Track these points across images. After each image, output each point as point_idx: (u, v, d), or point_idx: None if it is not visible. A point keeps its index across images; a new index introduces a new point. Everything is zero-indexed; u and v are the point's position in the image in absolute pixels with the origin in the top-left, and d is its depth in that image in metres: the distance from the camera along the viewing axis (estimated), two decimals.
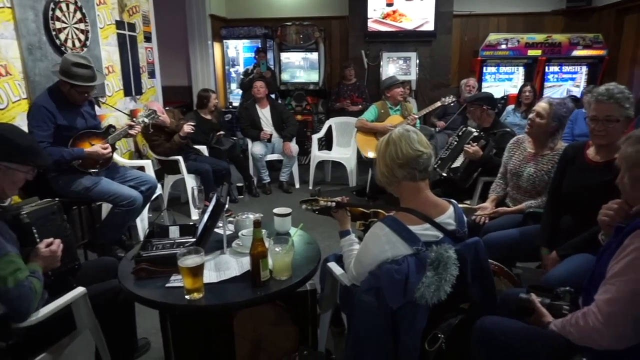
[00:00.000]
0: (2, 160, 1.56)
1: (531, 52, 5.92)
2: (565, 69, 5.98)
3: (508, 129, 3.21)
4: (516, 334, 1.38)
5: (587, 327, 1.23)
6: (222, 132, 4.64)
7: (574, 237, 1.96)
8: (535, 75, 5.93)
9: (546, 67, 5.93)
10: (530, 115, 2.44)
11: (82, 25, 3.59)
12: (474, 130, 3.18)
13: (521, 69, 6.12)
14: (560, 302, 1.45)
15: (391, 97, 4.42)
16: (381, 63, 6.24)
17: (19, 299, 1.44)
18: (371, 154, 4.32)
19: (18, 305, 1.44)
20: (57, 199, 1.91)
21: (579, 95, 5.70)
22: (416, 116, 4.33)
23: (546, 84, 5.99)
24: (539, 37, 5.88)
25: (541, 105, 2.40)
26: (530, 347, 1.35)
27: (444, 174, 3.20)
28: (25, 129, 2.64)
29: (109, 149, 2.87)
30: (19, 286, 1.44)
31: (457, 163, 3.15)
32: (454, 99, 4.39)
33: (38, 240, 1.68)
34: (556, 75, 6.00)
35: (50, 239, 1.69)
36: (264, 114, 5.02)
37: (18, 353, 1.52)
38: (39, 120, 2.61)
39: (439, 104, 4.36)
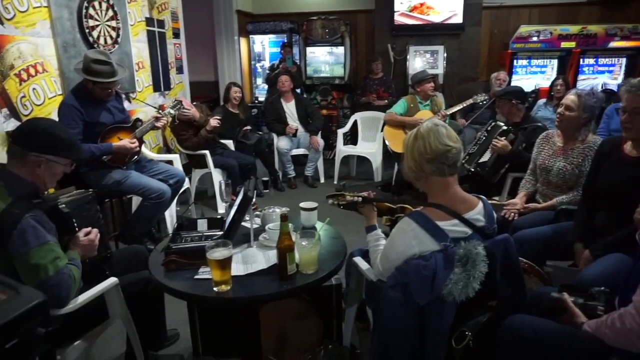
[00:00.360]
0: (46, 153, 1.62)
1: (565, 44, 5.72)
2: (602, 61, 5.75)
3: (539, 124, 3.12)
4: (549, 333, 1.35)
5: (624, 329, 1.19)
6: (248, 127, 4.69)
7: (609, 234, 1.90)
8: (568, 68, 5.74)
9: (580, 60, 5.72)
10: (559, 109, 2.38)
11: (113, 23, 3.68)
12: (502, 124, 3.11)
13: (554, 62, 5.93)
14: (595, 302, 1.41)
15: (421, 91, 4.34)
16: (408, 57, 6.15)
17: (58, 286, 1.49)
18: (398, 149, 4.24)
19: (58, 292, 1.50)
20: (90, 189, 1.97)
21: (616, 89, 5.49)
22: (447, 113, 4.19)
23: (580, 77, 5.78)
24: (573, 29, 5.68)
25: (569, 98, 2.34)
26: (563, 347, 1.31)
27: (472, 169, 3.14)
28: None
29: (137, 143, 2.94)
30: (58, 274, 1.49)
31: (485, 158, 3.09)
32: (486, 97, 4.26)
33: (77, 229, 1.74)
34: (591, 68, 5.78)
35: (89, 228, 1.75)
36: (289, 108, 5.03)
37: (55, 339, 1.58)
38: (68, 118, 2.69)
39: (470, 101, 4.26)
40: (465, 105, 4.35)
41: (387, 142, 4.42)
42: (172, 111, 3.28)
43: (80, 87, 2.81)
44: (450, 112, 4.29)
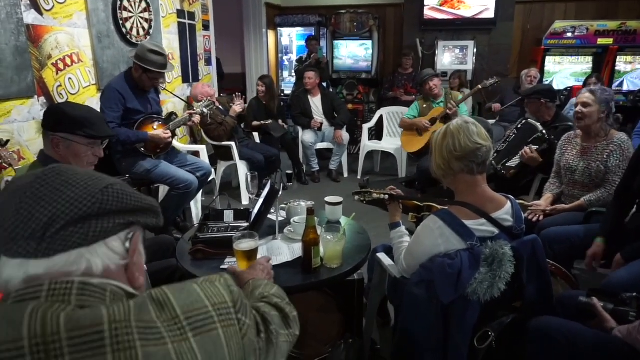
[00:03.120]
0: (59, 131, 1.69)
1: (601, 41, 5.52)
2: None
3: (570, 123, 3.03)
4: (578, 337, 1.33)
5: None
6: (269, 121, 4.70)
7: None
8: (604, 66, 5.54)
9: (617, 57, 5.50)
10: (577, 109, 2.36)
11: (146, 15, 3.75)
12: (538, 125, 2.94)
13: (589, 59, 5.72)
14: (626, 308, 1.37)
15: (426, 92, 4.31)
16: (436, 52, 6.06)
17: None
18: (411, 149, 4.38)
19: None
20: (127, 175, 2.02)
21: None
22: (455, 105, 4.05)
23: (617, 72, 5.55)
24: (611, 25, 5.47)
25: (584, 95, 2.35)
26: (594, 351, 1.28)
27: (497, 169, 3.04)
28: None
29: (170, 134, 3.02)
30: None
31: (513, 163, 2.96)
32: (496, 80, 4.11)
33: None
34: (630, 66, 5.56)
35: None
36: (315, 102, 5.04)
37: None
38: (111, 101, 2.80)
39: (479, 87, 4.16)
40: (474, 92, 4.30)
41: (402, 146, 4.53)
42: (205, 110, 3.34)
43: (127, 75, 2.92)
44: (459, 102, 4.15)
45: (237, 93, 4.25)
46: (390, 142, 5.17)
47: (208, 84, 4.48)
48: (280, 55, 7.02)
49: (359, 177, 5.01)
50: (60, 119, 1.70)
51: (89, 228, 0.63)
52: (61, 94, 2.94)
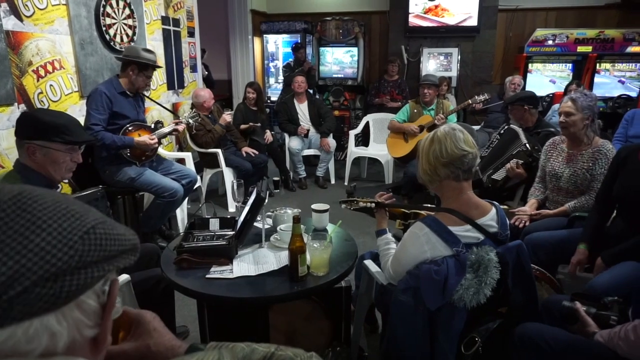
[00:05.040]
0: (34, 138, 1.65)
1: (581, 49, 5.65)
2: (619, 66, 5.66)
3: (552, 129, 3.08)
4: (561, 343, 1.34)
5: (638, 342, 1.17)
6: (258, 124, 4.69)
7: (625, 242, 1.88)
8: (584, 73, 5.66)
9: (597, 65, 5.64)
10: (561, 119, 2.38)
11: (130, 21, 3.72)
12: (520, 131, 2.95)
13: (570, 66, 5.85)
14: (608, 312, 1.39)
15: (420, 97, 4.37)
16: (421, 59, 6.13)
17: None
18: (397, 154, 4.40)
19: None
20: (100, 186, 1.99)
21: (633, 94, 5.41)
22: (443, 117, 4.10)
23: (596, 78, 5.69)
24: (590, 33, 5.60)
25: (566, 105, 2.37)
26: (574, 357, 1.30)
27: (484, 180, 3.05)
28: (78, 119, 2.77)
29: (156, 141, 2.99)
30: None
31: (498, 176, 2.96)
32: (485, 97, 4.17)
33: None
34: (608, 73, 5.70)
35: None
36: (302, 109, 5.04)
37: None
38: (97, 103, 2.77)
39: (469, 101, 4.21)
40: (462, 106, 4.32)
41: (388, 149, 4.53)
42: (190, 120, 3.33)
43: (115, 80, 2.92)
44: (448, 114, 4.19)
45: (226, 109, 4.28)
46: (377, 149, 5.19)
47: (209, 91, 4.40)
48: (266, 61, 7.02)
49: (346, 183, 5.02)
50: (36, 126, 1.66)
51: (62, 288, 0.45)
52: (42, 101, 2.88)
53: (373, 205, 1.83)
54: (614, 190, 2.01)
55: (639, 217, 1.61)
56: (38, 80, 2.85)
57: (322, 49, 6.30)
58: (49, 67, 2.93)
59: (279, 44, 6.97)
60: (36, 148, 1.65)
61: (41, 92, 2.87)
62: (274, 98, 6.62)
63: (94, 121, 2.73)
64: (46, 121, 1.68)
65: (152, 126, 3.11)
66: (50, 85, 2.95)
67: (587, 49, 5.62)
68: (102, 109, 2.78)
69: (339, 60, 6.34)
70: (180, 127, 3.24)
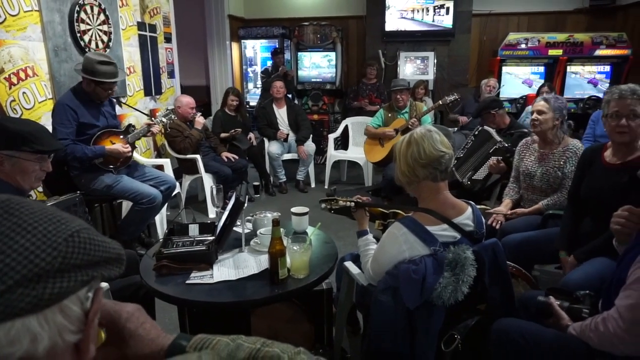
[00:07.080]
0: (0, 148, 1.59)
1: (552, 52, 5.82)
2: (588, 68, 5.86)
3: (525, 130, 3.18)
4: (535, 337, 1.38)
5: (607, 333, 1.22)
6: (239, 130, 4.67)
7: (594, 240, 1.94)
8: (555, 75, 5.84)
9: (567, 67, 5.82)
10: (533, 116, 2.47)
11: (105, 27, 3.67)
12: (493, 131, 3.07)
13: (541, 69, 6.03)
14: (580, 305, 1.44)
15: (392, 101, 4.44)
16: (398, 63, 6.22)
17: None
18: (374, 159, 4.46)
19: None
20: (78, 192, 1.95)
21: (601, 95, 5.59)
22: (415, 121, 4.16)
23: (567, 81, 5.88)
24: (560, 37, 5.78)
25: (539, 104, 2.47)
26: (549, 350, 1.34)
27: (464, 182, 3.12)
28: (49, 127, 2.72)
29: (129, 148, 2.94)
30: None
31: (480, 176, 3.05)
32: (455, 97, 4.22)
33: None
34: (577, 75, 5.89)
35: None
36: (281, 114, 5.05)
37: None
38: (62, 117, 2.70)
39: (440, 102, 4.28)
40: (433, 107, 4.39)
41: (365, 156, 4.59)
42: (163, 119, 3.29)
43: (77, 88, 2.82)
44: (420, 116, 4.25)
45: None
46: (356, 152, 5.23)
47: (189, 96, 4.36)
48: (244, 67, 7.01)
49: (326, 186, 5.04)
50: (3, 136, 1.61)
51: (44, 289, 0.46)
52: (15, 109, 2.82)
53: (353, 204, 1.85)
54: (581, 191, 2.08)
55: (605, 216, 1.67)
56: (10, 88, 2.79)
57: (300, 53, 6.32)
58: (22, 75, 2.87)
59: (257, 49, 6.97)
60: (4, 158, 1.61)
61: (14, 100, 2.81)
62: (253, 103, 6.61)
63: (61, 136, 2.64)
64: (13, 130, 1.63)
65: (124, 130, 3.06)
66: (24, 92, 2.89)
67: (558, 52, 5.80)
68: (68, 122, 2.70)
69: (317, 65, 6.37)
70: (155, 129, 3.19)
